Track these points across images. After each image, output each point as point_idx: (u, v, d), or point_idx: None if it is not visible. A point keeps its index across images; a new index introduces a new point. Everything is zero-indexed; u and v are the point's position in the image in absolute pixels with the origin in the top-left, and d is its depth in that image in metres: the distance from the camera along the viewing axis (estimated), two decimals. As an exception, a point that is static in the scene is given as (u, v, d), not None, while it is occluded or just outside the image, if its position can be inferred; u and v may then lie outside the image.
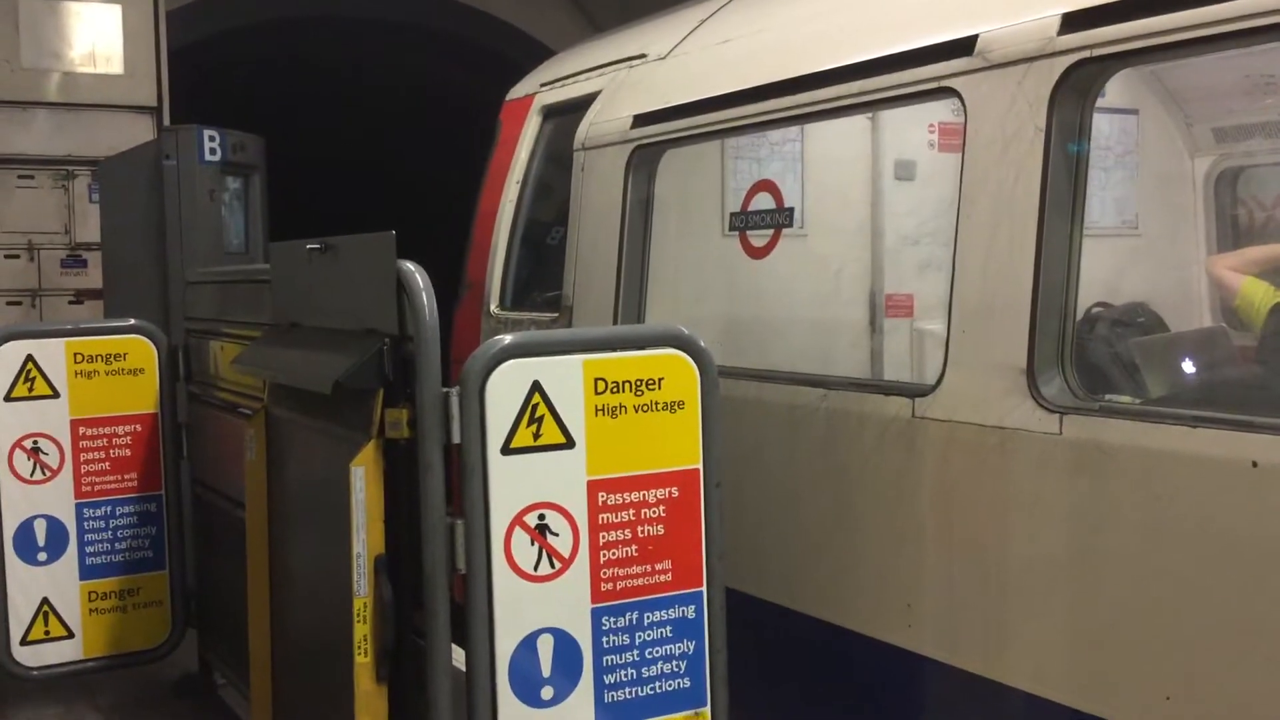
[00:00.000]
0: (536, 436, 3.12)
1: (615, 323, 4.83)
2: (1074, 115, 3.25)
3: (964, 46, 3.47)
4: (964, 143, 3.49)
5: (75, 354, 5.24)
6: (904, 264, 5.83)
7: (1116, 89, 5.28)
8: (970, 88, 3.46)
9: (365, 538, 3.26)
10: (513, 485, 3.11)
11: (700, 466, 3.32)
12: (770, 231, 4.97)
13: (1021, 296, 3.25)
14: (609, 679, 3.25)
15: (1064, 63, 3.19)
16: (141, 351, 5.40)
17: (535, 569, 3.14)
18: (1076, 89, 3.22)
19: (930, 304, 5.66)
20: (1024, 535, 3.27)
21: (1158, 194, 5.70)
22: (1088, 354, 4.22)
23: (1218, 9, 2.85)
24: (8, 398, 5.10)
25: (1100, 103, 3.43)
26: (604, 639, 3.23)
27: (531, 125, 6.01)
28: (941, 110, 5.43)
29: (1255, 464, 2.73)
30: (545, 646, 3.17)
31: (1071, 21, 3.19)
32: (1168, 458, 2.92)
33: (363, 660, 3.26)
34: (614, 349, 3.23)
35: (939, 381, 3.51)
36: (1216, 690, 2.86)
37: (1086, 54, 3.15)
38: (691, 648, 3.34)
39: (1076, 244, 3.26)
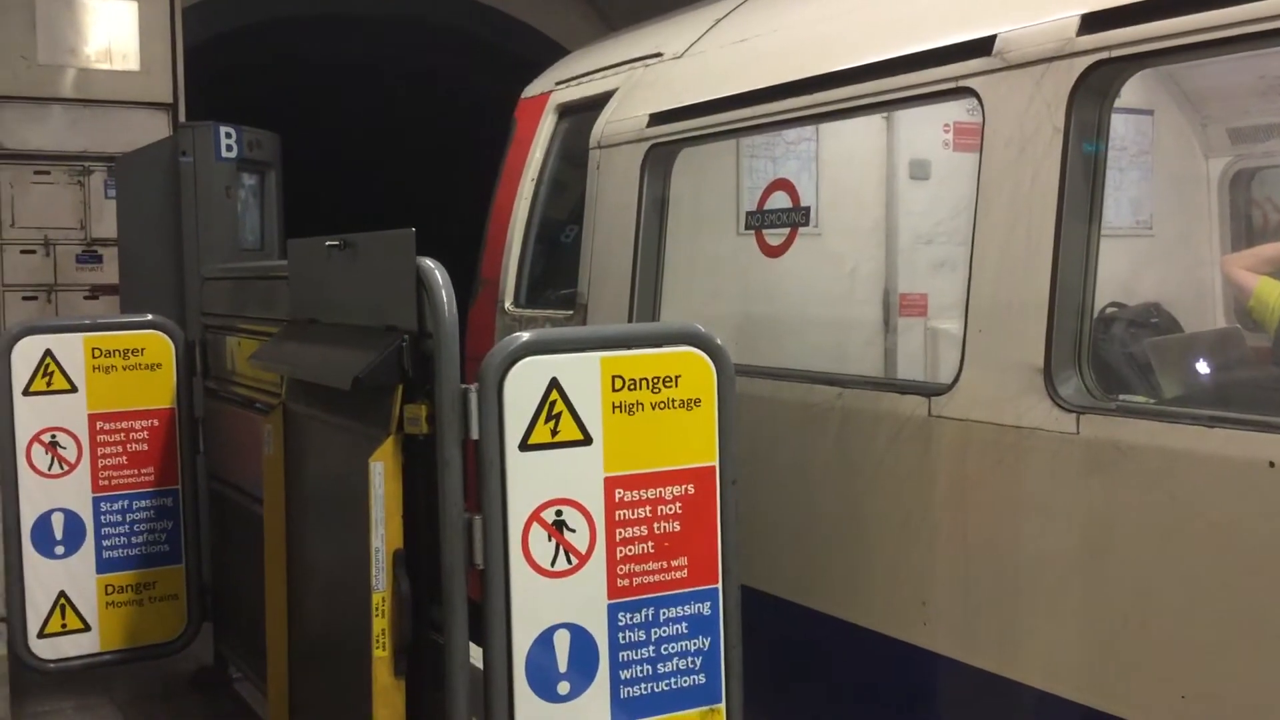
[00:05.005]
0: (554, 433, 3.14)
1: (630, 320, 4.84)
2: (1092, 115, 3.25)
3: (982, 47, 3.48)
4: (981, 142, 3.49)
5: (93, 349, 5.27)
6: (918, 263, 5.83)
7: (1132, 89, 5.27)
8: (988, 88, 3.46)
9: (384, 533, 3.28)
10: (530, 481, 3.12)
11: (716, 464, 3.34)
12: (786, 230, 4.99)
13: (1039, 296, 3.25)
14: (625, 675, 3.26)
15: (1083, 63, 3.19)
16: (159, 347, 5.43)
17: (552, 565, 3.16)
18: (1095, 89, 3.23)
19: (944, 303, 5.67)
20: (1039, 534, 3.28)
21: (1172, 194, 5.70)
22: (1102, 354, 4.22)
23: (1236, 11, 2.86)
24: (26, 392, 5.13)
25: (1116, 103, 3.44)
26: (620, 635, 3.25)
27: (547, 123, 6.03)
28: (957, 110, 5.44)
29: (1272, 464, 2.74)
30: (562, 642, 3.18)
31: (1091, 22, 3.19)
32: (1184, 457, 2.93)
33: (381, 655, 3.28)
34: (631, 346, 3.25)
35: (955, 380, 3.52)
36: (1232, 690, 2.87)
37: (1105, 55, 3.15)
38: (707, 644, 3.36)
39: (1094, 244, 3.27)
